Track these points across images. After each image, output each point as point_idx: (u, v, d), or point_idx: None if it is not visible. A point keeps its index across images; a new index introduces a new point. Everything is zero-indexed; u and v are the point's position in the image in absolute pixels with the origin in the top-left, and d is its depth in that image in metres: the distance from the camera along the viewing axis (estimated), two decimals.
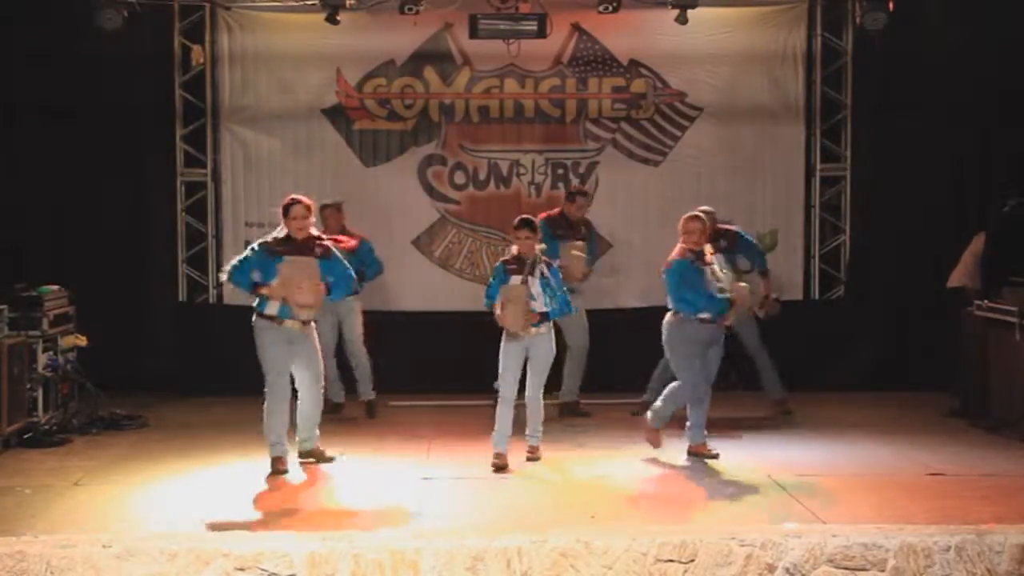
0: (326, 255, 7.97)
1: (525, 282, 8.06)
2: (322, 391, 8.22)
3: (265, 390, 7.93)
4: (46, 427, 9.05)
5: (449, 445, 8.97)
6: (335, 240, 9.79)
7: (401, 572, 6.02)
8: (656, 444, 8.52)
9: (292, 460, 8.10)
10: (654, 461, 8.47)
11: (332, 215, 10.00)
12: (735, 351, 10.31)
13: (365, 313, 10.59)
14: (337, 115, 11.43)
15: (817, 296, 11.66)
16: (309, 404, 8.11)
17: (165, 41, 11.16)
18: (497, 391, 10.01)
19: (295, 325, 7.83)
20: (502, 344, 8.16)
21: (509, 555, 6.07)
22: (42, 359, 9.12)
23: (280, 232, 7.94)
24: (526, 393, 8.22)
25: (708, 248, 8.58)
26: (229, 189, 11.37)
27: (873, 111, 11.40)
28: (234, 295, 10.13)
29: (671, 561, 6.12)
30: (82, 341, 9.66)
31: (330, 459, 8.23)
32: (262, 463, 7.94)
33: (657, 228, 11.48)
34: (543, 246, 8.23)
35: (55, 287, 9.51)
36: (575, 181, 11.47)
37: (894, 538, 6.18)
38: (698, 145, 11.53)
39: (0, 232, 10.68)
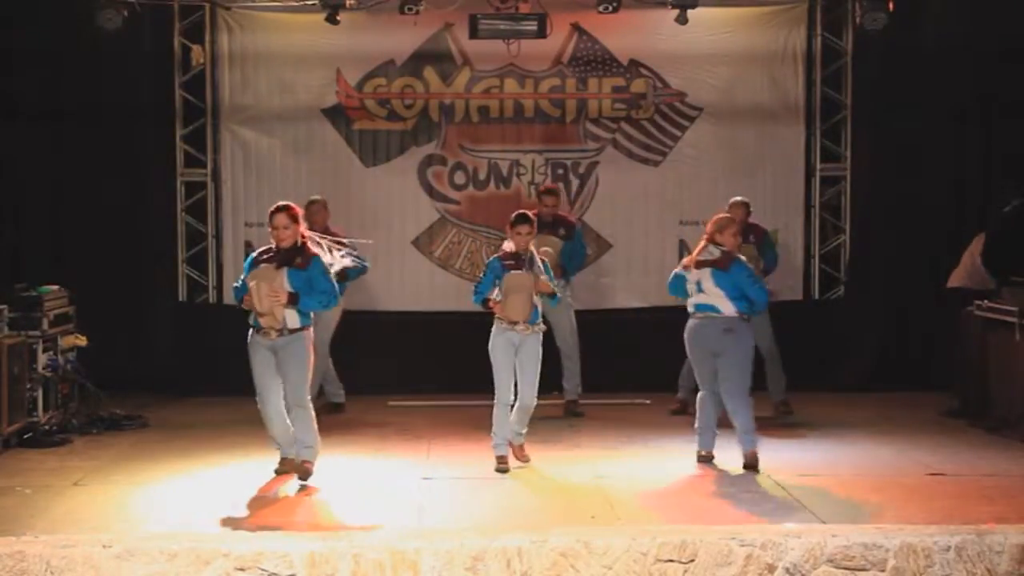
0: (302, 266, 7.60)
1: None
2: (301, 398, 7.71)
3: None
4: (46, 427, 9.05)
5: (449, 445, 8.97)
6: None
7: (401, 572, 6.02)
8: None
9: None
10: (654, 461, 8.47)
11: (318, 212, 9.93)
12: None
13: (365, 314, 10.59)
14: (337, 115, 11.43)
15: (817, 296, 11.66)
16: (291, 417, 7.75)
17: (165, 41, 11.17)
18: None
19: (272, 334, 7.57)
20: (492, 343, 8.03)
21: (509, 555, 6.07)
22: (42, 359, 9.12)
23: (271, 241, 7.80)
24: (520, 396, 8.04)
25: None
26: (229, 189, 11.37)
27: (873, 111, 11.40)
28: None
29: (671, 561, 6.12)
30: (82, 341, 9.66)
31: (308, 473, 7.67)
32: (262, 463, 7.93)
33: (657, 228, 11.53)
34: (552, 251, 8.25)
35: (55, 287, 9.51)
36: (575, 181, 11.49)
37: (894, 538, 6.18)
38: (698, 145, 11.53)
39: (0, 232, 10.68)
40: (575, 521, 6.79)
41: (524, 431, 8.19)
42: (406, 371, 11.09)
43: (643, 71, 11.47)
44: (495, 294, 7.99)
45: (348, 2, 10.51)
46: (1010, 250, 9.81)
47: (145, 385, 10.64)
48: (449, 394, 10.63)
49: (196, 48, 11.23)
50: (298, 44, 11.27)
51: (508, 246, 8.05)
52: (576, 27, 11.36)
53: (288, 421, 7.73)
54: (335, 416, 9.82)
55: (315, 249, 7.75)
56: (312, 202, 9.96)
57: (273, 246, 7.71)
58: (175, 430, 9.45)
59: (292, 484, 7.67)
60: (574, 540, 6.14)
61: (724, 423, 8.23)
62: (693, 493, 7.60)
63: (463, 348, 10.74)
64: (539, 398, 8.17)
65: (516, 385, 8.07)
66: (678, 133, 11.54)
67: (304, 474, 7.63)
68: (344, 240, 8.17)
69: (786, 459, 8.34)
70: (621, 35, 11.32)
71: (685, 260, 8.31)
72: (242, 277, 7.75)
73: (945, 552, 6.14)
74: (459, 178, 11.52)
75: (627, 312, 11.33)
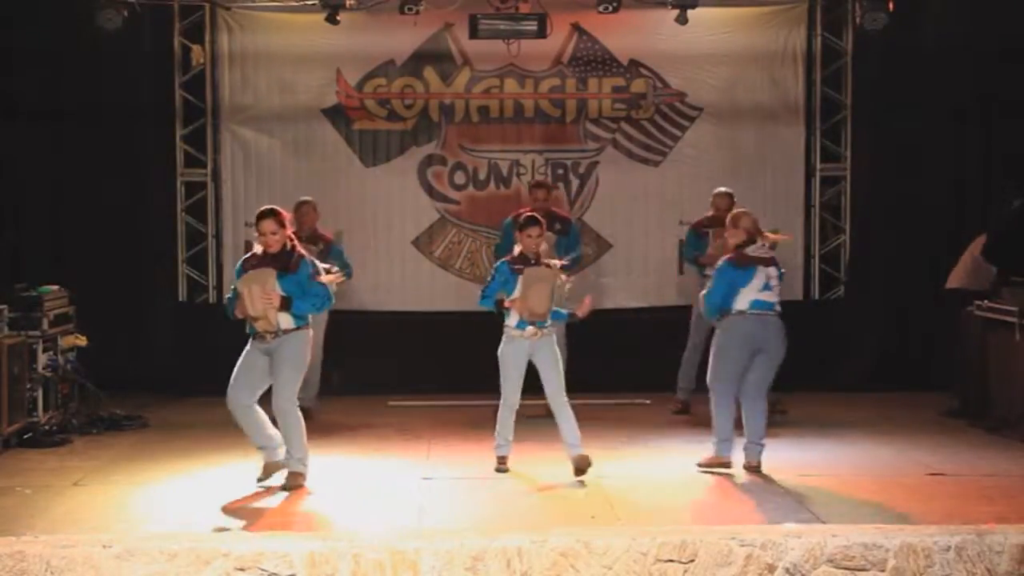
0: (292, 271, 7.50)
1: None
2: (286, 403, 7.55)
3: None
4: (46, 427, 9.05)
5: (449, 445, 8.97)
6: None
7: (401, 572, 6.02)
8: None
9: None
10: (654, 461, 8.47)
11: (308, 213, 9.92)
12: None
13: (366, 314, 10.60)
14: (337, 115, 11.43)
15: (817, 296, 11.67)
16: (280, 420, 7.60)
17: (165, 41, 11.17)
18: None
19: (267, 337, 7.47)
20: (502, 351, 7.92)
21: (509, 555, 6.07)
22: (42, 359, 9.12)
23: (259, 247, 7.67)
24: (549, 403, 7.93)
25: None
26: (229, 189, 11.38)
27: (873, 111, 11.41)
28: None
29: (671, 561, 6.11)
30: (82, 341, 9.66)
31: (298, 486, 7.56)
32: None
33: (657, 228, 11.53)
34: (546, 246, 8.05)
35: (55, 287, 9.51)
36: (575, 181, 11.50)
37: (894, 538, 6.18)
38: (698, 145, 11.54)
39: (0, 232, 10.68)
40: (575, 521, 6.79)
41: (576, 442, 7.88)
42: (406, 371, 11.10)
43: (643, 71, 11.47)
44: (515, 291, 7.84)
45: (348, 2, 10.51)
46: (1014, 248, 9.80)
47: (145, 385, 10.64)
48: (449, 394, 10.64)
49: (196, 48, 11.23)
50: (298, 44, 11.27)
51: (517, 249, 7.94)
52: (576, 27, 11.37)
53: (257, 416, 7.58)
54: (332, 418, 9.80)
55: (302, 252, 7.67)
56: (302, 203, 9.97)
57: (259, 251, 7.60)
58: (175, 430, 9.45)
59: (289, 483, 7.67)
60: (574, 540, 6.14)
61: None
62: (693, 493, 7.60)
63: (463, 348, 10.78)
64: (531, 399, 8.11)
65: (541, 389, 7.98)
66: (678, 133, 11.54)
67: (295, 486, 7.51)
68: (324, 266, 8.01)
69: (786, 459, 8.34)
70: (621, 35, 11.32)
71: (741, 258, 7.96)
72: (232, 287, 7.64)
73: (945, 552, 6.13)
74: (459, 178, 11.53)
75: (627, 312, 11.34)
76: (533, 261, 7.87)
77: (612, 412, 10.01)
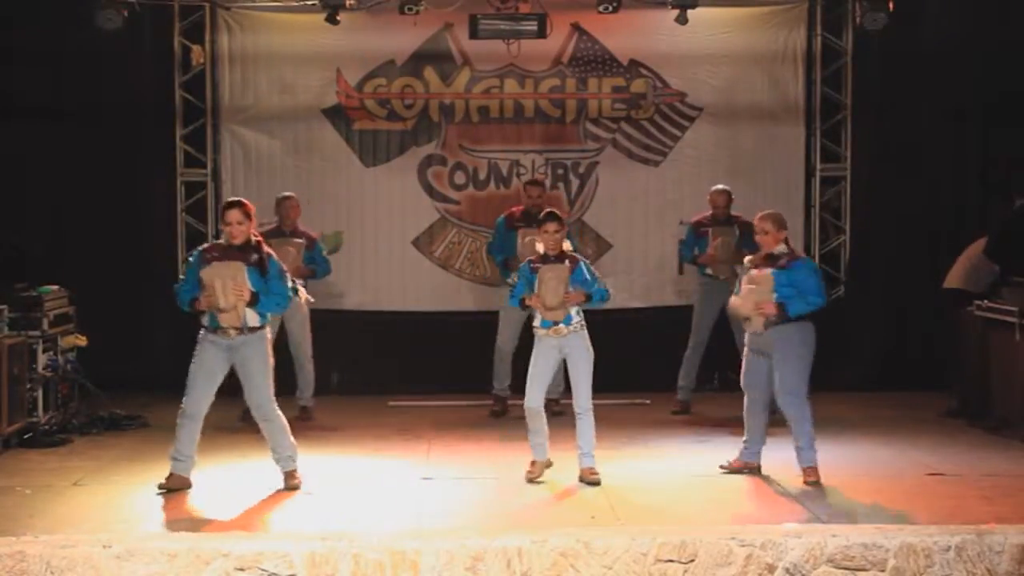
0: (259, 265, 7.46)
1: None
2: (268, 406, 7.59)
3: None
4: (46, 427, 9.05)
5: (449, 445, 8.97)
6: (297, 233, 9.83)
7: (401, 572, 6.02)
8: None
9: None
10: (654, 461, 8.47)
11: (291, 208, 9.97)
12: (721, 350, 10.35)
13: (366, 314, 10.59)
14: (337, 115, 11.43)
15: None
16: (263, 429, 7.61)
17: (165, 41, 11.16)
18: (494, 399, 10.05)
19: (231, 332, 7.40)
20: (533, 352, 7.86)
21: (509, 555, 6.07)
22: (42, 359, 9.11)
23: (222, 237, 7.63)
24: (574, 403, 7.85)
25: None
26: (229, 189, 11.34)
27: (873, 111, 11.40)
28: None
29: (671, 561, 6.12)
30: (82, 341, 9.66)
31: (295, 486, 7.57)
32: (262, 463, 7.90)
33: (657, 228, 11.53)
34: (568, 244, 7.91)
35: (55, 287, 9.51)
36: (575, 181, 11.50)
37: (894, 538, 6.18)
38: (698, 145, 11.53)
39: (0, 232, 10.68)
40: (575, 521, 6.79)
41: (590, 450, 7.79)
42: (406, 371, 11.09)
43: (643, 71, 11.47)
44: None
45: (348, 2, 10.50)
46: (1016, 248, 9.79)
47: (145, 385, 10.63)
48: (449, 394, 10.64)
49: (196, 48, 11.22)
50: (298, 44, 11.26)
51: (539, 247, 7.90)
52: (576, 27, 11.36)
53: (200, 427, 7.53)
54: (332, 418, 9.80)
55: (268, 250, 7.62)
56: (285, 198, 10.02)
57: (222, 241, 7.57)
58: (175, 430, 9.43)
59: (289, 484, 7.67)
60: (574, 540, 6.14)
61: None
62: (693, 493, 7.59)
63: (463, 348, 10.80)
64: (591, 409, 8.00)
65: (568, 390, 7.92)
66: (678, 133, 11.53)
67: (294, 486, 7.53)
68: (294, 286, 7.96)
69: (786, 459, 8.33)
70: (621, 35, 11.31)
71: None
72: (184, 275, 7.55)
73: (945, 552, 6.14)
74: (459, 178, 11.52)
75: (627, 312, 11.32)
76: (553, 258, 7.81)
77: (612, 412, 9.97)
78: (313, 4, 10.73)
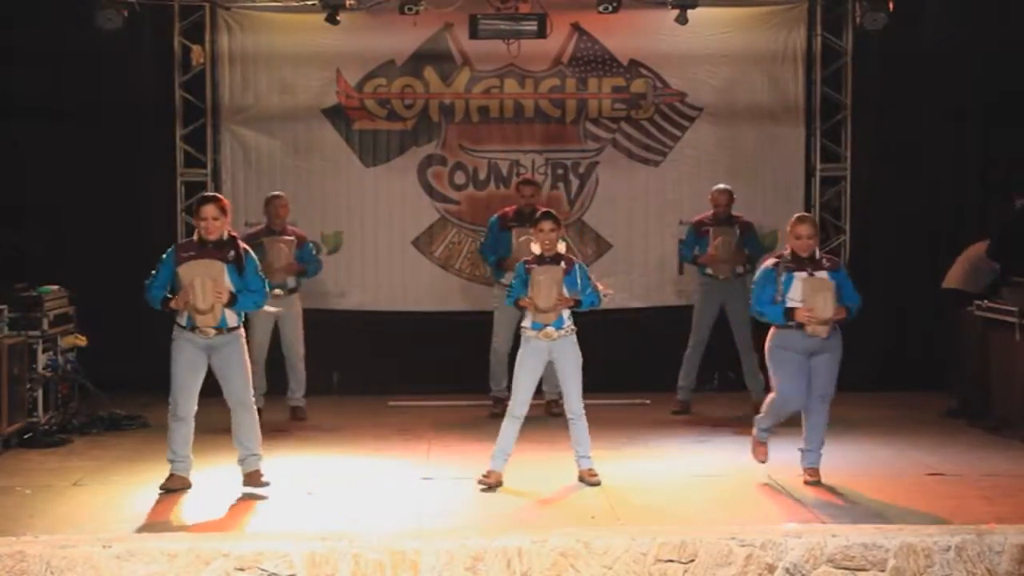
0: (236, 262, 7.36)
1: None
2: (248, 397, 7.56)
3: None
4: (46, 427, 9.05)
5: (449, 445, 8.98)
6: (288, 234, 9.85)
7: (401, 572, 6.02)
8: (762, 458, 7.91)
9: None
10: (654, 462, 8.47)
11: (282, 207, 9.97)
12: (721, 350, 10.36)
13: (366, 314, 10.57)
14: (337, 115, 11.42)
15: None
16: (236, 421, 7.54)
17: (165, 41, 11.15)
18: (493, 400, 10.04)
19: (209, 332, 7.31)
20: (520, 353, 7.79)
21: (509, 555, 6.07)
22: (42, 359, 9.12)
23: (195, 234, 7.52)
24: (566, 408, 7.81)
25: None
26: (229, 189, 11.34)
27: (873, 111, 11.41)
28: None
29: (671, 561, 6.12)
30: (82, 341, 9.66)
31: (264, 484, 7.50)
32: (261, 464, 7.90)
33: (657, 228, 11.53)
34: (563, 245, 7.83)
35: (55, 287, 9.51)
36: (575, 181, 11.50)
37: (894, 538, 6.18)
38: (698, 145, 11.53)
39: (0, 232, 10.68)
40: (575, 521, 6.79)
41: (588, 453, 7.75)
42: (406, 371, 11.09)
43: (643, 71, 11.47)
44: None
45: (348, 2, 10.51)
46: (1018, 248, 9.79)
47: (145, 385, 10.62)
48: (449, 394, 10.64)
49: (196, 48, 11.22)
50: (298, 44, 11.26)
51: (535, 248, 7.79)
52: (576, 27, 11.36)
53: (192, 429, 7.49)
54: (332, 418, 9.79)
55: (244, 245, 7.54)
56: (274, 197, 10.03)
57: (195, 239, 7.45)
58: (168, 433, 9.44)
59: (290, 485, 7.67)
60: (574, 540, 6.14)
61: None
62: (693, 493, 7.59)
63: (463, 348, 10.79)
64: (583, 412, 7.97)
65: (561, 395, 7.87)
66: (678, 133, 11.53)
67: (260, 484, 7.45)
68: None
69: (786, 459, 8.33)
70: (621, 35, 11.31)
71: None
72: (155, 272, 7.42)
73: (945, 552, 6.14)
74: (459, 178, 11.52)
75: (627, 312, 11.33)
76: (548, 258, 7.72)
77: (612, 412, 10.00)
78: (313, 4, 10.73)
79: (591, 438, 7.85)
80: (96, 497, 7.42)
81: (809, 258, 7.61)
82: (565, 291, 7.65)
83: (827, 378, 7.74)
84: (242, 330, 7.52)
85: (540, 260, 7.75)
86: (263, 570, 5.97)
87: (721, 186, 10.22)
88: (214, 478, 7.81)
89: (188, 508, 7.17)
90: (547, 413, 9.81)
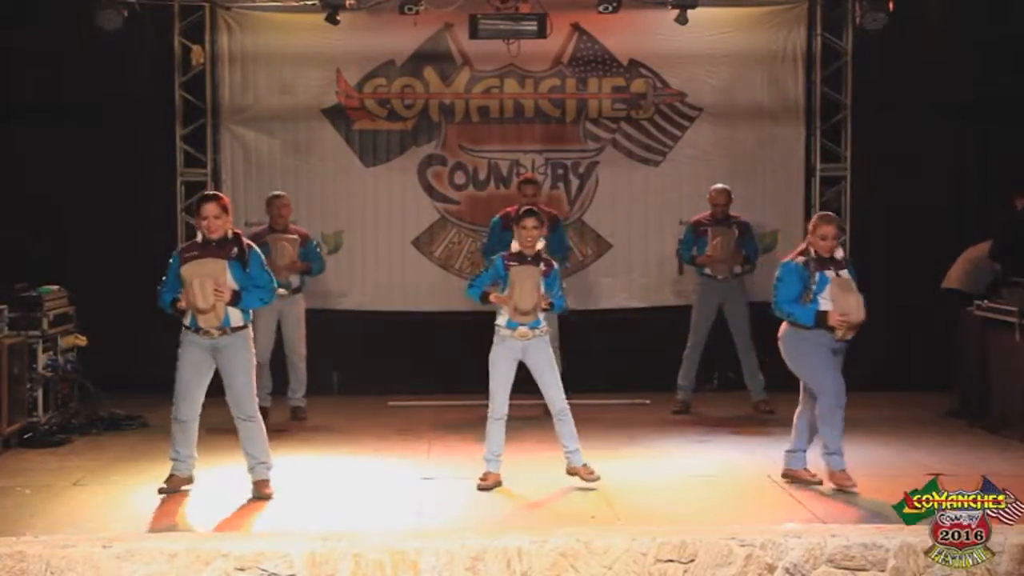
0: (240, 258, 7.30)
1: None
2: (251, 407, 7.47)
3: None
4: (46, 427, 9.05)
5: (449, 445, 8.98)
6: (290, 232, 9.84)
7: (401, 572, 6.02)
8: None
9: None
10: (654, 462, 8.47)
11: (284, 206, 9.98)
12: (721, 350, 10.36)
13: (366, 314, 10.56)
14: (337, 115, 11.42)
15: None
16: (240, 432, 7.47)
17: (165, 41, 11.15)
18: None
19: (214, 332, 7.26)
20: (492, 354, 7.72)
21: (509, 555, 6.07)
22: (42, 359, 9.12)
23: (198, 234, 7.46)
24: (550, 406, 7.75)
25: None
26: (229, 189, 11.33)
27: (873, 111, 11.40)
28: None
29: (671, 561, 6.12)
30: (82, 341, 9.66)
31: (268, 496, 7.36)
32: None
33: (657, 228, 11.52)
34: (541, 244, 7.75)
35: (55, 287, 9.51)
36: (575, 181, 11.50)
37: (894, 538, 6.18)
38: (698, 145, 11.53)
39: (0, 232, 10.68)
40: (575, 521, 6.80)
41: (577, 447, 7.69)
42: (406, 371, 11.09)
43: (643, 71, 11.47)
44: (499, 290, 7.66)
45: (348, 2, 10.50)
46: (1021, 249, 9.79)
47: (145, 385, 10.63)
48: (449, 394, 10.64)
49: (196, 48, 11.22)
50: (298, 44, 11.26)
51: (514, 246, 7.74)
52: (576, 27, 11.35)
53: (196, 429, 7.44)
54: (332, 418, 9.79)
55: (248, 241, 7.48)
56: (276, 196, 10.04)
57: (199, 239, 7.40)
58: (171, 434, 9.44)
59: (291, 483, 7.67)
60: (574, 540, 6.14)
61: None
62: (693, 493, 7.59)
63: (463, 348, 10.74)
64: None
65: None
66: (678, 133, 11.53)
67: (267, 496, 7.37)
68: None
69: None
70: (621, 35, 11.31)
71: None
72: (166, 276, 7.39)
73: None
74: (459, 178, 11.52)
75: (627, 312, 11.33)
76: (529, 258, 7.66)
77: (612, 412, 10.01)
78: (313, 4, 10.72)
79: (592, 438, 7.85)
80: (96, 497, 7.43)
81: (831, 257, 7.56)
82: (544, 292, 7.60)
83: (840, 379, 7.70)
84: (249, 330, 7.45)
85: (521, 259, 7.66)
86: (263, 570, 5.98)
87: (720, 185, 10.22)
88: (214, 478, 7.81)
89: (188, 508, 7.17)
90: (546, 413, 9.79)
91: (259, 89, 11.39)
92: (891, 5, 10.43)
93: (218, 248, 7.32)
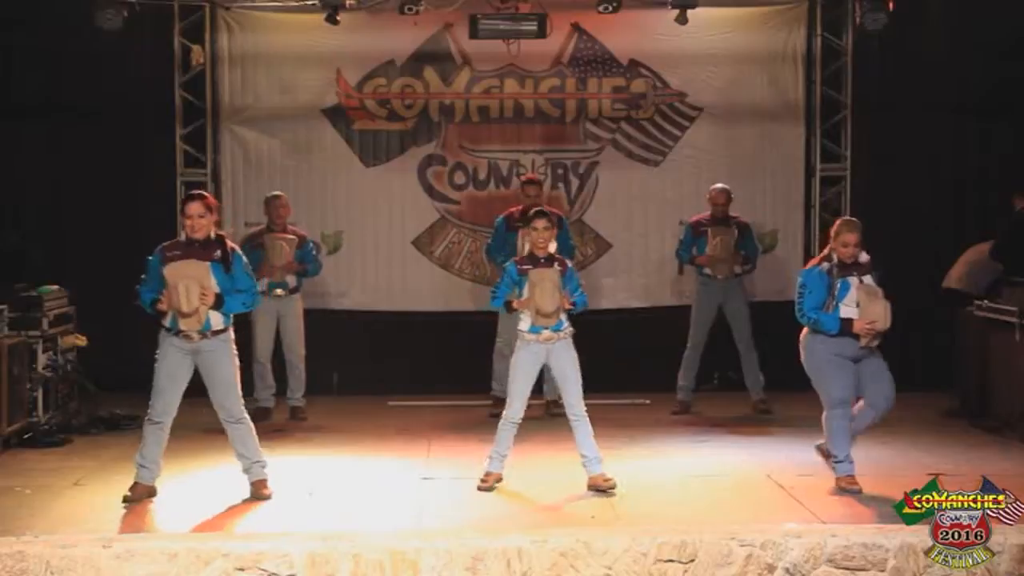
0: (223, 261, 7.19)
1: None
2: (238, 408, 7.37)
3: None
4: (46, 427, 9.05)
5: (449, 445, 8.98)
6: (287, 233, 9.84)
7: (401, 572, 6.02)
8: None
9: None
10: (654, 462, 8.47)
11: (282, 206, 9.98)
12: (721, 350, 10.35)
13: (365, 313, 10.54)
14: (337, 115, 11.42)
15: None
16: (229, 434, 7.39)
17: (165, 41, 11.15)
18: (493, 400, 10.04)
19: (194, 336, 7.14)
20: (515, 358, 7.65)
21: (509, 555, 6.07)
22: (42, 359, 9.12)
23: (182, 233, 7.37)
24: (568, 410, 7.66)
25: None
26: (229, 189, 11.36)
27: (873, 111, 11.40)
28: None
29: (671, 561, 6.12)
30: (82, 341, 9.66)
31: (266, 496, 7.33)
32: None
33: (657, 228, 11.52)
34: (553, 245, 7.67)
35: (55, 287, 9.51)
36: (575, 181, 11.50)
37: (894, 538, 6.19)
38: (698, 145, 11.52)
39: (0, 232, 10.68)
40: (575, 521, 6.80)
41: (594, 454, 7.57)
42: (406, 371, 11.09)
43: (643, 71, 11.46)
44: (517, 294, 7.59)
45: (348, 2, 10.50)
46: (1020, 250, 9.80)
47: (145, 385, 10.57)
48: (449, 394, 10.64)
49: (196, 48, 11.21)
50: (298, 44, 11.25)
51: (527, 248, 7.68)
52: (576, 27, 11.35)
53: (167, 434, 7.31)
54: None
55: (232, 244, 7.40)
56: (274, 197, 10.04)
57: (182, 238, 7.31)
58: (175, 430, 9.31)
59: (290, 485, 7.68)
60: (574, 540, 6.14)
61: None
62: (693, 493, 7.59)
63: (463, 348, 10.80)
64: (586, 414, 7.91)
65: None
66: (678, 133, 11.53)
67: (263, 496, 7.31)
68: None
69: (786, 459, 8.35)
70: (621, 35, 11.31)
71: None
72: (144, 277, 7.31)
73: None
74: (459, 178, 11.52)
75: (627, 312, 11.33)
76: (542, 259, 7.59)
77: (612, 412, 9.99)
78: (313, 4, 10.72)
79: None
80: (96, 497, 7.42)
81: (855, 263, 7.50)
82: (564, 292, 7.55)
83: (889, 382, 7.63)
84: (230, 333, 7.33)
85: (534, 261, 7.61)
86: (263, 570, 5.98)
87: (719, 185, 10.22)
88: (214, 478, 7.82)
89: (188, 508, 7.16)
90: (547, 413, 9.79)
91: (259, 89, 11.39)
92: (891, 5, 10.44)
93: (201, 249, 7.21)
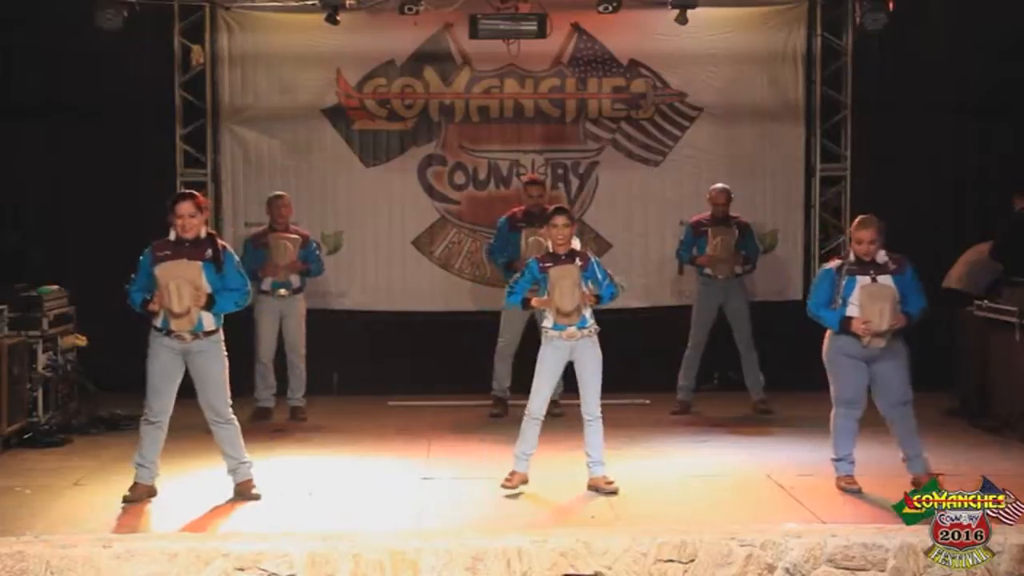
0: (214, 260, 7.15)
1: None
2: (226, 409, 7.37)
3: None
4: (46, 427, 9.04)
5: (449, 445, 8.97)
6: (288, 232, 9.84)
7: (401, 572, 6.03)
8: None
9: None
10: (654, 462, 8.47)
11: (284, 206, 9.98)
12: (721, 350, 10.35)
13: (366, 314, 10.52)
14: (337, 115, 11.42)
15: None
16: (215, 434, 7.38)
17: (165, 41, 11.16)
18: (493, 400, 10.05)
19: (186, 337, 7.11)
20: (540, 354, 7.61)
21: (509, 555, 6.08)
22: (42, 359, 9.12)
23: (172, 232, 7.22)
24: (583, 409, 7.64)
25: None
26: (229, 189, 11.37)
27: (873, 111, 11.40)
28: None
29: (671, 561, 6.12)
30: (82, 341, 9.66)
31: (254, 496, 7.31)
32: (261, 463, 7.89)
33: (657, 228, 11.52)
34: (577, 241, 7.67)
35: (55, 287, 9.51)
36: (575, 181, 11.50)
37: (894, 538, 6.19)
38: (698, 145, 11.52)
39: (0, 232, 10.68)
40: (575, 521, 6.80)
41: (599, 458, 7.55)
42: (406, 371, 11.09)
43: (643, 71, 11.46)
44: (538, 293, 7.57)
45: (348, 2, 10.50)
46: (1020, 250, 9.80)
47: (145, 385, 10.61)
48: (449, 394, 10.63)
49: (196, 48, 11.22)
50: (298, 44, 11.25)
51: (548, 245, 7.62)
52: (576, 27, 11.35)
53: (164, 434, 7.29)
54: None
55: (222, 242, 7.35)
56: (277, 196, 10.05)
57: (172, 237, 7.23)
58: (175, 430, 9.31)
59: (290, 485, 7.68)
60: (574, 540, 6.14)
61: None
62: (693, 493, 7.59)
63: (463, 348, 10.80)
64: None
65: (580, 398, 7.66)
66: (678, 133, 11.53)
67: (251, 496, 7.29)
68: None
69: (786, 459, 8.35)
70: (621, 35, 11.31)
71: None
72: (135, 274, 7.31)
73: None
74: (459, 178, 11.52)
75: (627, 312, 11.31)
76: (563, 256, 7.55)
77: (612, 412, 9.92)
78: (313, 4, 10.72)
79: None
80: (96, 497, 7.42)
81: (873, 262, 7.44)
82: (585, 288, 7.51)
83: (900, 384, 7.46)
84: (221, 334, 7.32)
85: (555, 259, 7.56)
86: (263, 570, 5.98)
87: (719, 185, 10.23)
88: (214, 478, 7.81)
89: (188, 508, 7.16)
90: (547, 413, 9.79)
91: (259, 89, 11.39)
92: (891, 5, 10.44)
93: (192, 248, 7.18)
